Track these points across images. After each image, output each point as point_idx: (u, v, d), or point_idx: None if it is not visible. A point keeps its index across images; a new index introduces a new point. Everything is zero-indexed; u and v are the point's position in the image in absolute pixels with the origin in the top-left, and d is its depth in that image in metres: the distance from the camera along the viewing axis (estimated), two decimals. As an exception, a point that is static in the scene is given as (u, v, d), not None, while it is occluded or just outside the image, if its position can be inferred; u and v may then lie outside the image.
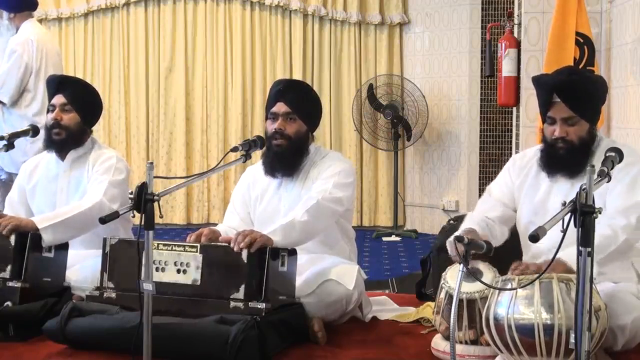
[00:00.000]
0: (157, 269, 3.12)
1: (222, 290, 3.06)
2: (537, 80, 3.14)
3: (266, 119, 3.60)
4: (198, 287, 3.10)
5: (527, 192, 3.22)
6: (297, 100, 3.53)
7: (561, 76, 3.06)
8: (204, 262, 3.11)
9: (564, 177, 3.10)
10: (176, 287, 3.11)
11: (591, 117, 3.07)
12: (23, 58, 5.08)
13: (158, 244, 3.15)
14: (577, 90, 3.03)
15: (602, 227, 2.85)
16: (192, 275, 3.11)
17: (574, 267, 2.69)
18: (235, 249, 3.06)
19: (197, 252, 3.13)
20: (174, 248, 3.15)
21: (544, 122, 3.13)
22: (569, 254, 2.64)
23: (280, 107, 3.51)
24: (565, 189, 3.08)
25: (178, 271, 3.13)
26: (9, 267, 3.33)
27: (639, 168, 3.00)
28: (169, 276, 3.13)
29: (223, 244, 3.16)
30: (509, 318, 2.60)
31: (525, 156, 3.31)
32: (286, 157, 3.52)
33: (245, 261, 3.05)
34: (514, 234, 3.31)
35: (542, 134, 3.20)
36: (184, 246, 3.15)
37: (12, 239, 3.36)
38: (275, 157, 3.53)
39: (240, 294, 3.03)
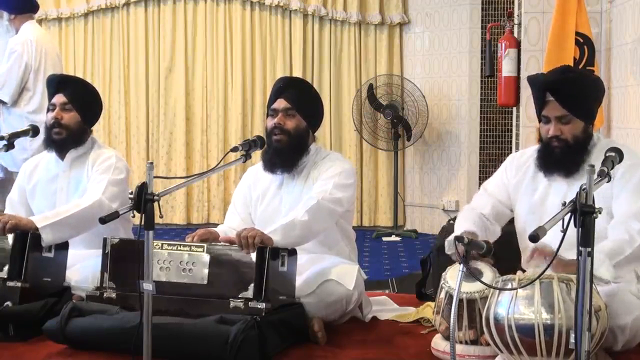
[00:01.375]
0: (161, 269, 3.13)
1: (230, 290, 3.06)
2: (532, 80, 3.15)
3: (267, 116, 3.62)
4: (204, 287, 3.10)
5: (524, 191, 3.22)
6: (297, 96, 3.55)
7: (554, 75, 3.08)
8: (211, 262, 3.12)
9: (560, 176, 3.10)
10: (181, 287, 3.12)
11: (585, 115, 3.07)
12: (23, 57, 5.09)
13: (162, 243, 3.16)
14: (569, 88, 3.03)
15: (618, 231, 2.85)
16: (199, 275, 3.11)
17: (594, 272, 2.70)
18: (244, 252, 3.08)
19: (203, 252, 3.14)
20: (179, 248, 3.16)
21: (539, 121, 3.14)
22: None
23: (280, 103, 3.54)
24: (563, 189, 3.08)
25: (184, 271, 3.13)
26: (6, 267, 3.32)
27: None
28: (174, 276, 3.13)
29: (230, 244, 3.17)
30: (509, 318, 2.60)
31: (524, 155, 3.31)
32: (285, 152, 3.53)
33: (254, 261, 3.06)
34: (513, 233, 3.31)
35: (539, 134, 3.21)
36: (189, 246, 3.15)
37: (10, 238, 3.35)
38: (274, 152, 3.54)
39: (250, 293, 3.04)
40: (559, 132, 3.04)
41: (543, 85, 3.05)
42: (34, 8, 5.38)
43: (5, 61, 5.12)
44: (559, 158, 3.07)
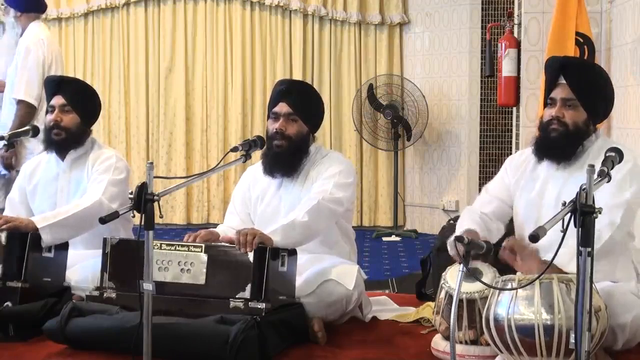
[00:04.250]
0: (160, 269, 3.12)
1: (228, 290, 3.05)
2: (549, 60, 3.21)
3: (268, 117, 3.61)
4: (202, 287, 3.10)
5: (523, 188, 3.22)
6: (300, 101, 3.54)
7: (572, 58, 3.15)
8: (209, 262, 3.11)
9: (552, 162, 3.11)
10: (180, 287, 3.11)
11: (590, 108, 3.07)
12: (39, 55, 5.00)
13: (161, 243, 3.16)
14: (583, 74, 3.09)
15: None
16: (197, 275, 3.11)
17: (565, 269, 2.71)
18: (242, 251, 3.07)
19: (202, 252, 3.13)
20: (177, 248, 3.15)
21: (545, 106, 3.16)
22: (559, 256, 2.63)
23: (282, 107, 3.52)
24: (559, 184, 3.08)
25: (182, 271, 3.13)
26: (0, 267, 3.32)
27: (629, 167, 2.98)
28: (173, 276, 3.13)
29: (228, 244, 3.17)
30: (509, 318, 2.60)
31: (523, 154, 3.32)
32: (285, 157, 3.52)
33: (252, 261, 3.06)
34: (512, 232, 3.31)
35: (539, 122, 3.21)
36: (188, 246, 3.15)
37: (3, 238, 3.34)
38: (274, 157, 3.54)
39: (247, 294, 3.03)
40: (561, 114, 3.06)
41: (559, 65, 3.10)
42: (41, 8, 5.30)
43: (21, 60, 5.01)
44: (554, 141, 3.07)
